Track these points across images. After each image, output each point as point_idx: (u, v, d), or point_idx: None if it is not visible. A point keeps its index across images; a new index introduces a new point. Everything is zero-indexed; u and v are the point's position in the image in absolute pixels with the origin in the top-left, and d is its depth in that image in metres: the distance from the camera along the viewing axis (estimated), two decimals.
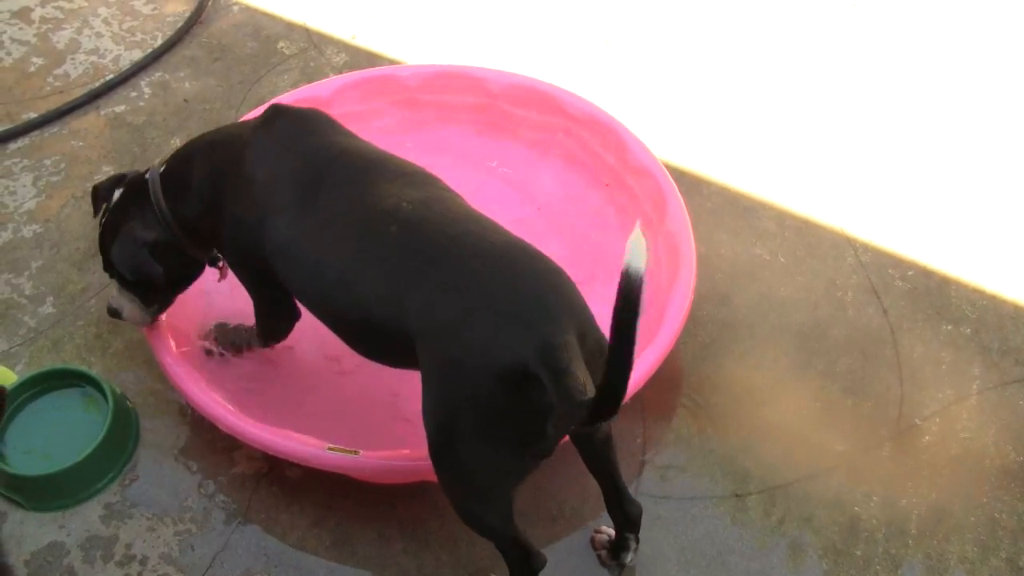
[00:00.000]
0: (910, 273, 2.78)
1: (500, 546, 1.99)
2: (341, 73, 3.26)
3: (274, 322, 2.39)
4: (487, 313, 1.69)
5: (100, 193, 2.35)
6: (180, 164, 2.26)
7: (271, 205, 2.05)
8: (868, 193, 2.99)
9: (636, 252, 1.43)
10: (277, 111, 2.19)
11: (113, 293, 2.36)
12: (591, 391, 1.62)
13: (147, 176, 2.27)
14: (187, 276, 2.39)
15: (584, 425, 1.63)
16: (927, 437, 2.44)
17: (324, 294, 2.01)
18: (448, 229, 1.82)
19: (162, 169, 2.27)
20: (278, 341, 2.45)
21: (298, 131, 2.13)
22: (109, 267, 2.32)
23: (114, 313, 2.36)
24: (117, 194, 2.30)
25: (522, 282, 1.73)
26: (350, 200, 1.97)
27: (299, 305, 2.29)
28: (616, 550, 2.19)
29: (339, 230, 1.94)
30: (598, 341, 1.76)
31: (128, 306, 2.34)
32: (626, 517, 2.12)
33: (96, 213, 2.34)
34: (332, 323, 2.08)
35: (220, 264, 2.40)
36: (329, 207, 1.98)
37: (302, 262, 2.01)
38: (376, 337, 1.95)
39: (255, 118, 2.23)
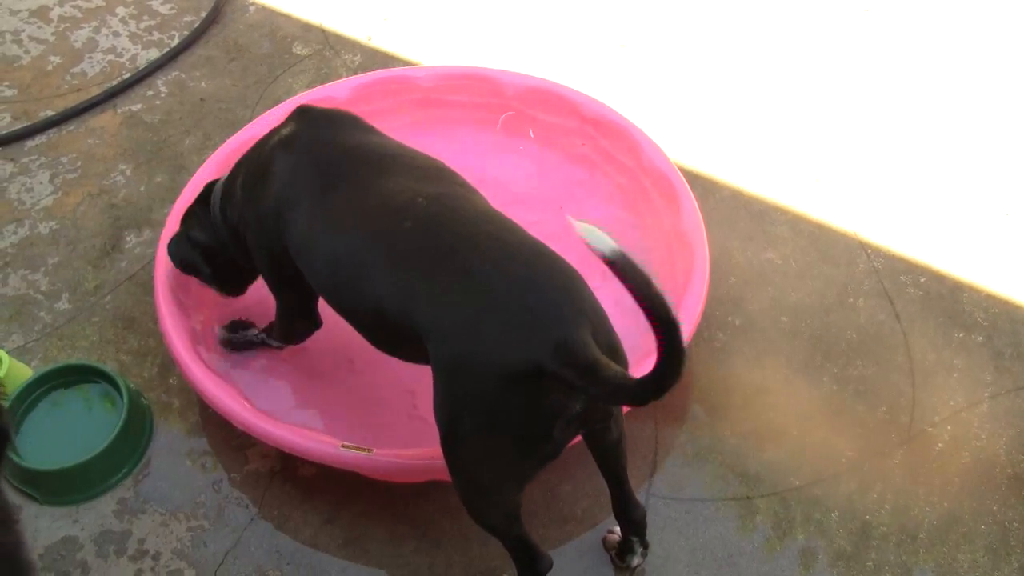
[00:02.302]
0: (922, 279, 2.78)
1: (506, 545, 2.00)
2: (356, 74, 3.28)
3: (293, 325, 2.41)
4: (498, 314, 1.69)
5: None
6: (232, 170, 2.33)
7: (290, 200, 2.06)
8: (881, 198, 2.99)
9: (594, 235, 1.44)
10: (301, 111, 2.21)
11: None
12: (626, 374, 1.63)
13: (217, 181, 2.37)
14: (238, 281, 2.49)
15: (640, 403, 1.62)
16: (939, 444, 2.44)
17: (338, 287, 2.01)
18: (461, 228, 1.82)
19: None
20: (295, 343, 2.47)
21: (317, 128, 2.14)
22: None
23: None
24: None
25: (534, 283, 1.73)
26: (364, 193, 1.96)
27: (320, 308, 2.31)
28: (622, 552, 2.20)
29: (353, 223, 1.94)
30: (610, 343, 1.76)
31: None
32: (629, 520, 2.13)
33: None
34: (348, 317, 2.08)
35: None
36: (344, 201, 1.98)
37: (318, 255, 2.01)
38: (388, 332, 1.95)
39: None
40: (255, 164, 2.19)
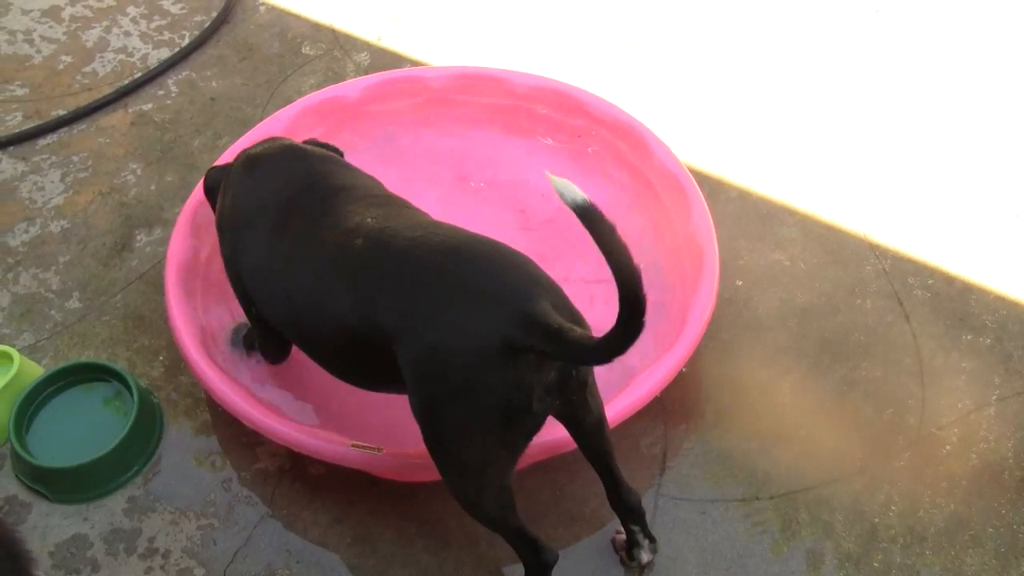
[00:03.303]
0: (931, 281, 2.78)
1: (507, 538, 2.02)
2: (366, 74, 3.28)
3: (268, 347, 2.44)
4: (462, 299, 1.76)
5: None
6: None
7: (245, 223, 2.15)
8: (890, 200, 2.98)
9: (566, 187, 1.55)
10: (273, 139, 2.29)
11: None
12: (590, 335, 1.70)
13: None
14: None
15: (604, 360, 1.66)
16: (947, 446, 2.44)
17: (297, 316, 2.06)
18: (411, 233, 1.90)
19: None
20: (275, 363, 2.48)
21: (278, 163, 2.21)
22: None
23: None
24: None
25: (491, 267, 1.81)
26: (318, 224, 2.03)
27: None
28: (629, 548, 2.20)
29: (308, 253, 2.01)
30: (571, 314, 1.82)
31: None
32: (625, 507, 2.13)
33: None
34: (309, 347, 2.13)
35: None
36: (298, 233, 2.05)
37: (273, 287, 2.09)
38: (354, 351, 1.98)
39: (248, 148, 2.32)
40: (225, 189, 2.27)
